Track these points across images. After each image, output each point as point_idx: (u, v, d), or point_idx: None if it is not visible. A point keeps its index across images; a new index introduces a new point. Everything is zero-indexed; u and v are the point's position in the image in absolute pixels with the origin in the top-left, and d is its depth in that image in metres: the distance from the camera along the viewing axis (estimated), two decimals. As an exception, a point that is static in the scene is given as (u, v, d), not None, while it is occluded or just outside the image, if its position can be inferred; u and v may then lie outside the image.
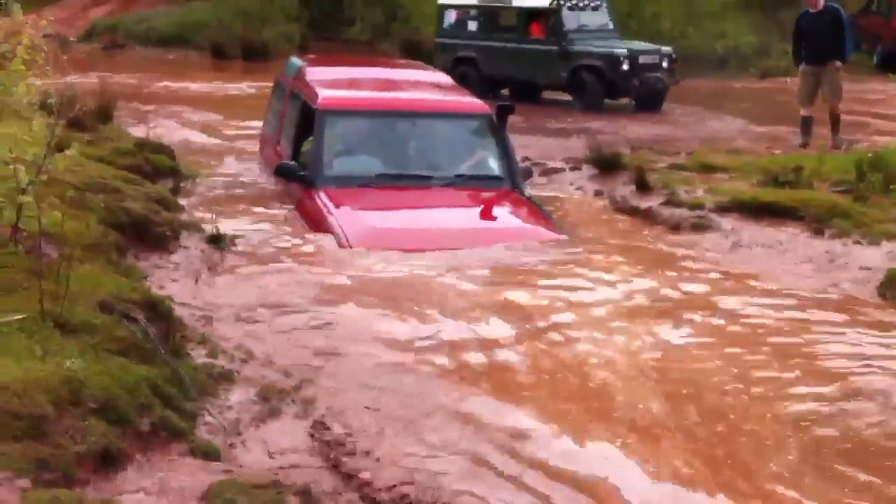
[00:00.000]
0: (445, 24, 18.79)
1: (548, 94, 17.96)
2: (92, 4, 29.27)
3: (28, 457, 3.20)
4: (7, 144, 4.68)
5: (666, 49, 17.55)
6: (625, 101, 17.31)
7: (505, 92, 17.75)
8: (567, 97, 17.51)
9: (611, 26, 18.05)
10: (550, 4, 17.42)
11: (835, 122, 12.38)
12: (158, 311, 4.76)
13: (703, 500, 3.92)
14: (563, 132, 14.45)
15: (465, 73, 16.95)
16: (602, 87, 16.82)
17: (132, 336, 4.27)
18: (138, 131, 9.87)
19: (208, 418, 4.02)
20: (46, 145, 4.67)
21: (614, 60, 16.71)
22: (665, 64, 17.19)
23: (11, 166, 4.64)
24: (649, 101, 17.00)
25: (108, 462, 3.40)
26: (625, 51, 16.88)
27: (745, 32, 22.75)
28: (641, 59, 16.85)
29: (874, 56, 22.04)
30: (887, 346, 5.58)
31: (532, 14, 17.75)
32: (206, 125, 13.79)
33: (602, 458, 4.18)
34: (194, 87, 18.49)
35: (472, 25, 18.37)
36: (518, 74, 17.63)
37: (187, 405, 4.02)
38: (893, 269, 6.67)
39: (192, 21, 25.10)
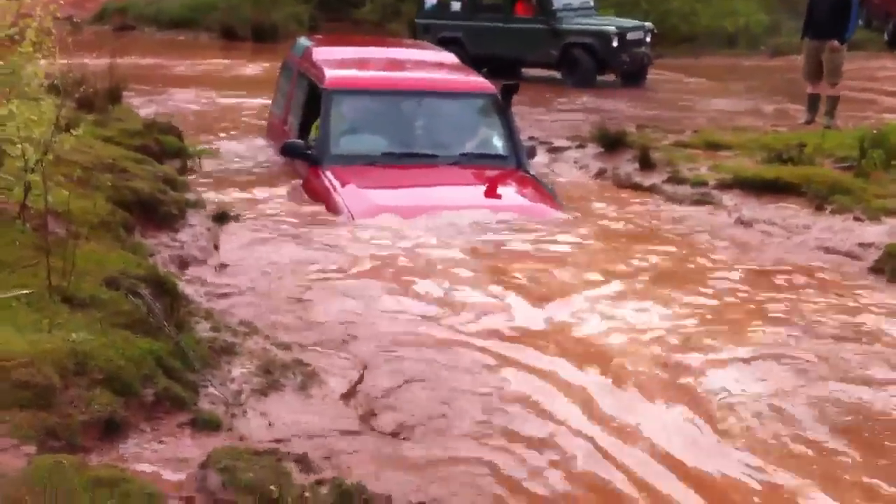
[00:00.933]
0: (427, 6, 18.96)
1: (532, 72, 17.89)
2: (103, -14, 29.28)
3: (35, 425, 3.31)
4: (16, 124, 4.78)
5: (648, 25, 17.97)
6: (609, 76, 17.53)
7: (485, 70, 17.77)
8: (547, 73, 17.57)
9: (591, 3, 18.42)
10: None
11: (832, 104, 12.08)
12: (164, 286, 4.86)
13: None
14: (562, 109, 14.50)
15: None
16: (594, 63, 17.02)
17: (137, 311, 4.36)
18: (147, 112, 9.93)
19: (210, 390, 4.12)
20: (53, 125, 4.77)
21: (605, 37, 16.98)
22: (648, 39, 17.57)
23: (20, 145, 4.75)
24: (633, 76, 17.36)
25: (112, 430, 3.51)
26: (615, 28, 17.18)
27: (756, 10, 22.65)
28: (629, 36, 17.20)
29: (885, 34, 21.94)
30: (874, 320, 5.67)
31: None
32: (215, 105, 13.87)
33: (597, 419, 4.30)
34: (204, 68, 18.55)
35: (456, 6, 18.54)
36: (506, 53, 17.66)
37: (190, 377, 4.12)
38: (892, 245, 6.73)
39: (202, 3, 25.10)
